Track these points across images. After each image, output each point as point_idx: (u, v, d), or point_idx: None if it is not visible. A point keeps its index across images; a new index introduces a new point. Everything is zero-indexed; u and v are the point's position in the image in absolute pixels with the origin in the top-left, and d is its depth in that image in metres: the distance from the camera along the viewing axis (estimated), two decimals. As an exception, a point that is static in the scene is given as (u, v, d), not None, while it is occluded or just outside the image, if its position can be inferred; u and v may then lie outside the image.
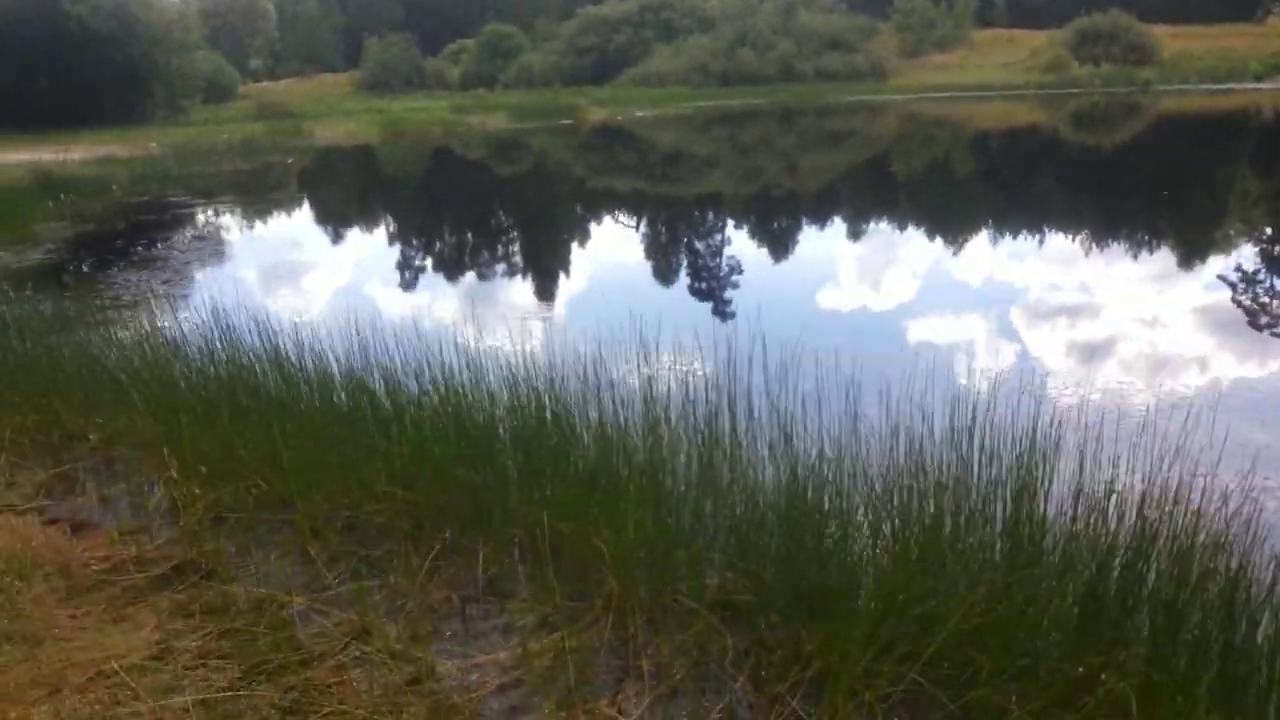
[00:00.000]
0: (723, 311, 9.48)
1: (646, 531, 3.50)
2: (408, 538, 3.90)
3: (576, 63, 62.20)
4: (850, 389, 3.98)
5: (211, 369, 5.67)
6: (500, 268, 12.91)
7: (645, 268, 12.43)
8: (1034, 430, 3.38)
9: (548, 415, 4.38)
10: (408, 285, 11.76)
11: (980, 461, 3.41)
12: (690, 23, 61.86)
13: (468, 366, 4.85)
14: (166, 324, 6.62)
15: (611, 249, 14.27)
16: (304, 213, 18.90)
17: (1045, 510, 3.21)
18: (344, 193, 22.13)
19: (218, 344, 5.91)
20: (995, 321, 8.63)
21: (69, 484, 4.87)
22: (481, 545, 3.76)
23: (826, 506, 3.44)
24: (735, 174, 22.93)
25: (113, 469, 5.03)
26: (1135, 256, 11.43)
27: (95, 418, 5.35)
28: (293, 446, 4.36)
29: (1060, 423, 3.47)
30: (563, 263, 12.81)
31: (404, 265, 13.28)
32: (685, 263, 12.70)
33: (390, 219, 18.24)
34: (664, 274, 11.96)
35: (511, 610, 3.49)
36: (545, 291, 10.90)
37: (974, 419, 3.53)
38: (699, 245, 13.89)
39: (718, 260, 12.57)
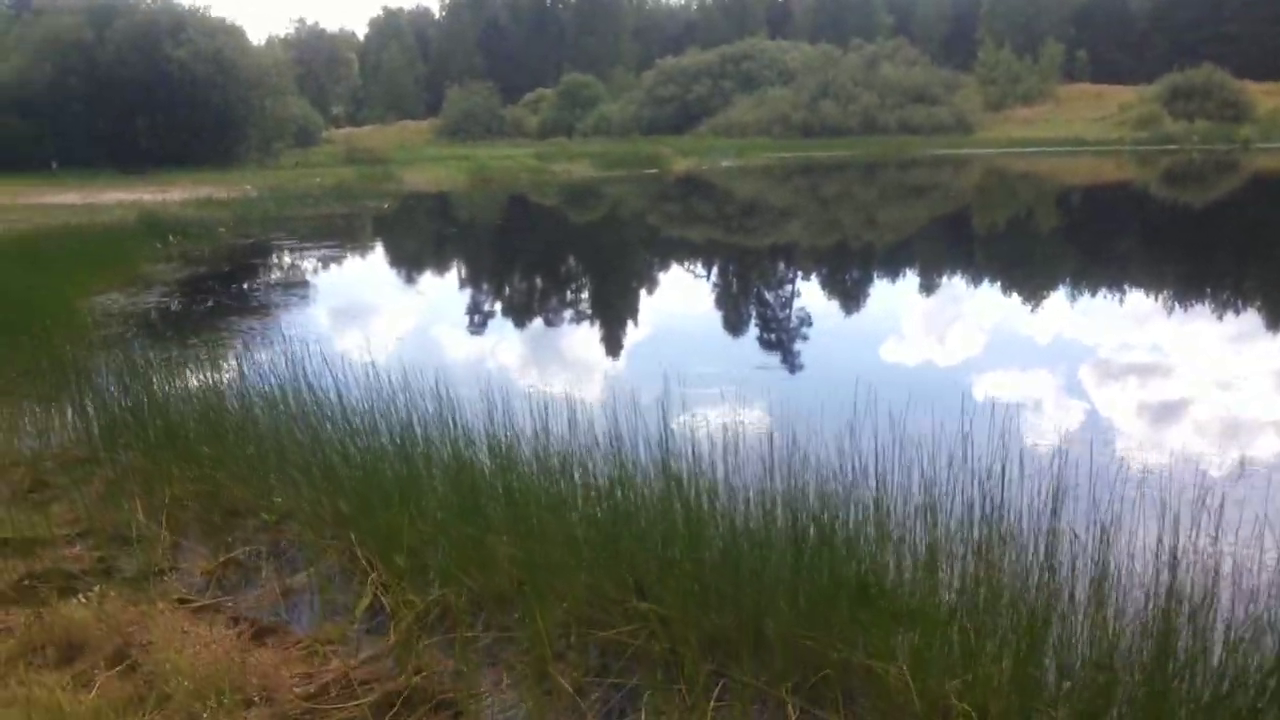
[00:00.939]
0: (792, 363, 9.41)
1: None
2: (663, 664, 3.26)
3: (656, 113, 62.37)
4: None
5: (377, 435, 5.13)
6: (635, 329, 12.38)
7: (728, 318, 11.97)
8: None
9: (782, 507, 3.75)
10: (553, 345, 11.19)
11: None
12: (771, 74, 61.74)
13: (686, 452, 4.22)
14: (312, 381, 6.11)
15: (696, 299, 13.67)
16: (410, 260, 18.63)
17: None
18: (444, 240, 21.93)
19: (371, 405, 5.37)
20: (1063, 379, 8.28)
21: (241, 572, 4.33)
22: (765, 683, 3.11)
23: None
24: (813, 225, 22.40)
25: (287, 554, 4.48)
26: (1220, 317, 10.98)
27: (264, 491, 4.84)
28: (515, 541, 3.78)
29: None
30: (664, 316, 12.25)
31: (547, 320, 12.75)
32: (758, 313, 12.50)
33: (496, 271, 17.91)
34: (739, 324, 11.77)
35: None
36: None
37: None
38: (769, 295, 13.68)
39: (787, 310, 12.41)
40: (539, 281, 16.19)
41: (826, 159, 43.89)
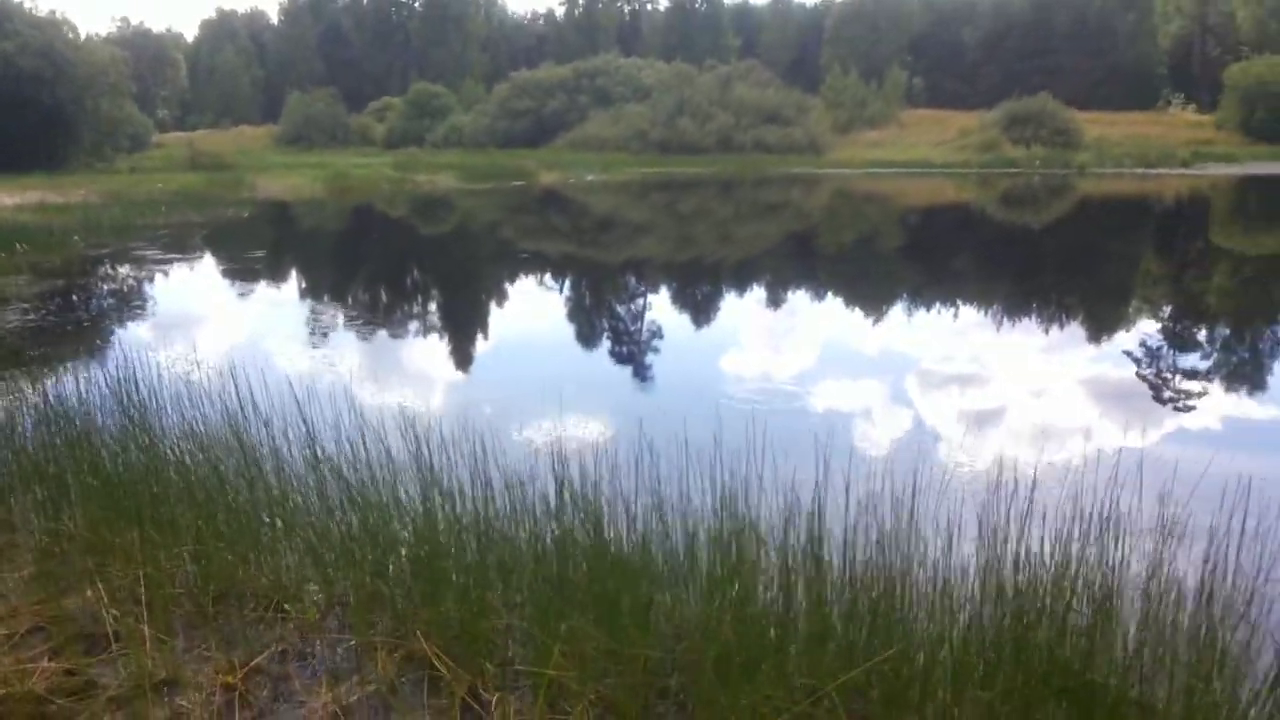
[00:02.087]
0: (643, 375, 9.44)
1: None
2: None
3: (510, 125, 61.37)
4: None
5: (390, 489, 4.20)
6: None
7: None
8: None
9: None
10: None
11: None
12: (625, 91, 61.69)
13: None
14: (275, 419, 5.08)
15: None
16: (299, 274, 17.13)
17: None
18: (334, 251, 20.40)
19: (377, 451, 4.43)
20: (891, 388, 8.51)
21: (267, 682, 3.34)
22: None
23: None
24: (668, 240, 22.20)
25: (319, 654, 3.51)
26: (1046, 331, 11.51)
27: (268, 568, 3.85)
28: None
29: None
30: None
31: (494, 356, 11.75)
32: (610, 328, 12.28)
33: (403, 286, 16.67)
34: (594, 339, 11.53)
35: None
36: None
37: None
38: (622, 309, 13.54)
39: (639, 325, 12.27)
40: (437, 296, 15.11)
41: (686, 176, 43.98)
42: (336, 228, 25.09)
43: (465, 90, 72.65)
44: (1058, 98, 55.80)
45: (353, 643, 3.45)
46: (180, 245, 18.48)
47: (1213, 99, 67.76)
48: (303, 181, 33.77)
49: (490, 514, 3.82)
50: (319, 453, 4.45)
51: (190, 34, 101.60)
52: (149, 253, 17.38)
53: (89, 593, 3.75)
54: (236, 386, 5.11)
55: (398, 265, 18.20)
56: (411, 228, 25.12)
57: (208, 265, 16.66)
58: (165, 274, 15.35)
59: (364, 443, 4.40)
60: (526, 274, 17.10)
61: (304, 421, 4.67)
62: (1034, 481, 3.74)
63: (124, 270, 15.49)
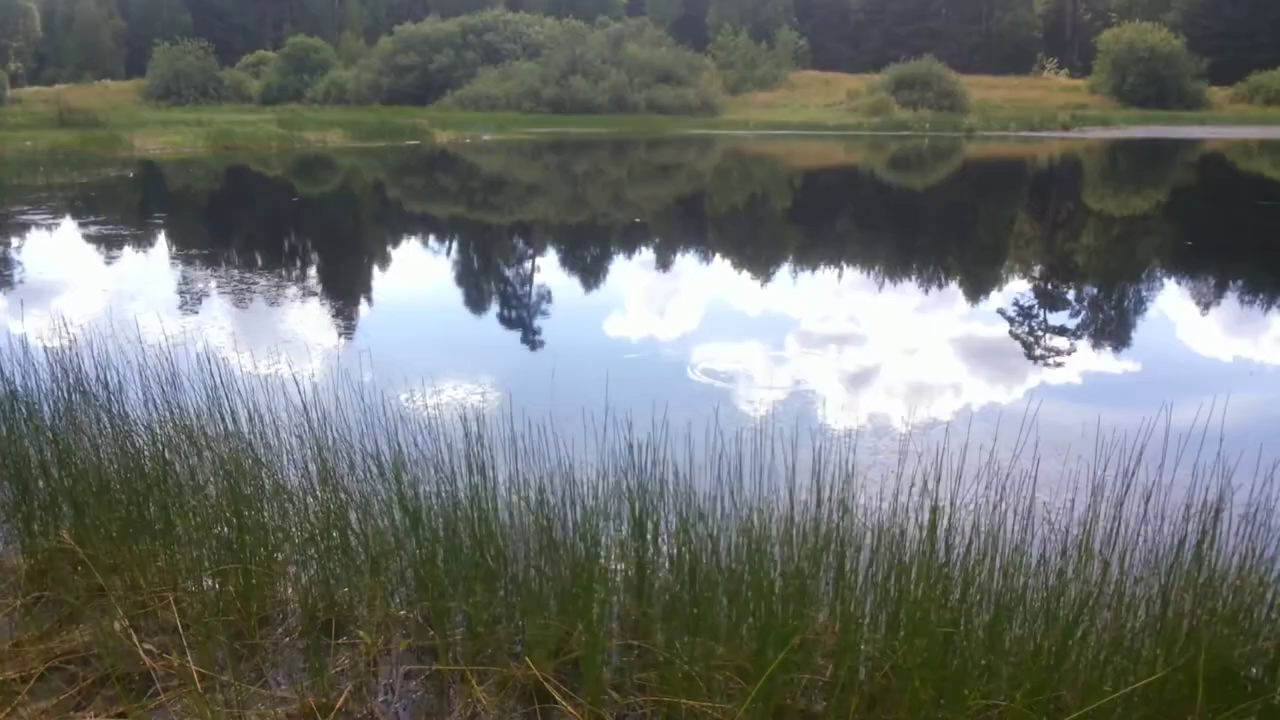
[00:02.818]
0: (531, 340, 9.28)
1: None
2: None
3: (396, 81, 59.53)
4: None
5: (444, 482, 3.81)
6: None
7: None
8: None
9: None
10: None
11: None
12: (515, 48, 60.48)
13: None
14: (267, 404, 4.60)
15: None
16: (223, 242, 16.05)
17: None
18: (250, 215, 19.24)
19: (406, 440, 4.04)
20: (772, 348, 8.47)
21: None
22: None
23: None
24: (560, 202, 21.85)
25: (392, 683, 3.12)
26: (926, 291, 11.73)
27: (311, 582, 3.45)
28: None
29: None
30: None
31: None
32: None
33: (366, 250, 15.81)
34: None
35: None
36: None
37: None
38: (510, 273, 13.34)
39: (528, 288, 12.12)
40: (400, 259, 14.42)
41: (581, 135, 43.39)
42: (236, 188, 23.78)
43: (345, 44, 70.22)
44: (939, 62, 57.05)
45: (435, 669, 3.09)
46: (72, 208, 17.17)
47: (1085, 64, 70.40)
48: (183, 139, 31.94)
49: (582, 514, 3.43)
50: (355, 446, 4.04)
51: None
52: (36, 216, 16.08)
53: (105, 622, 3.26)
54: (217, 367, 4.61)
55: (311, 228, 17.35)
56: (312, 189, 24.00)
57: (118, 231, 15.43)
58: (60, 239, 14.22)
59: (399, 434, 4.02)
60: (456, 238, 16.52)
61: (306, 409, 4.23)
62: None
63: (11, 238, 14.27)
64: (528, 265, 13.62)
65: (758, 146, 40.39)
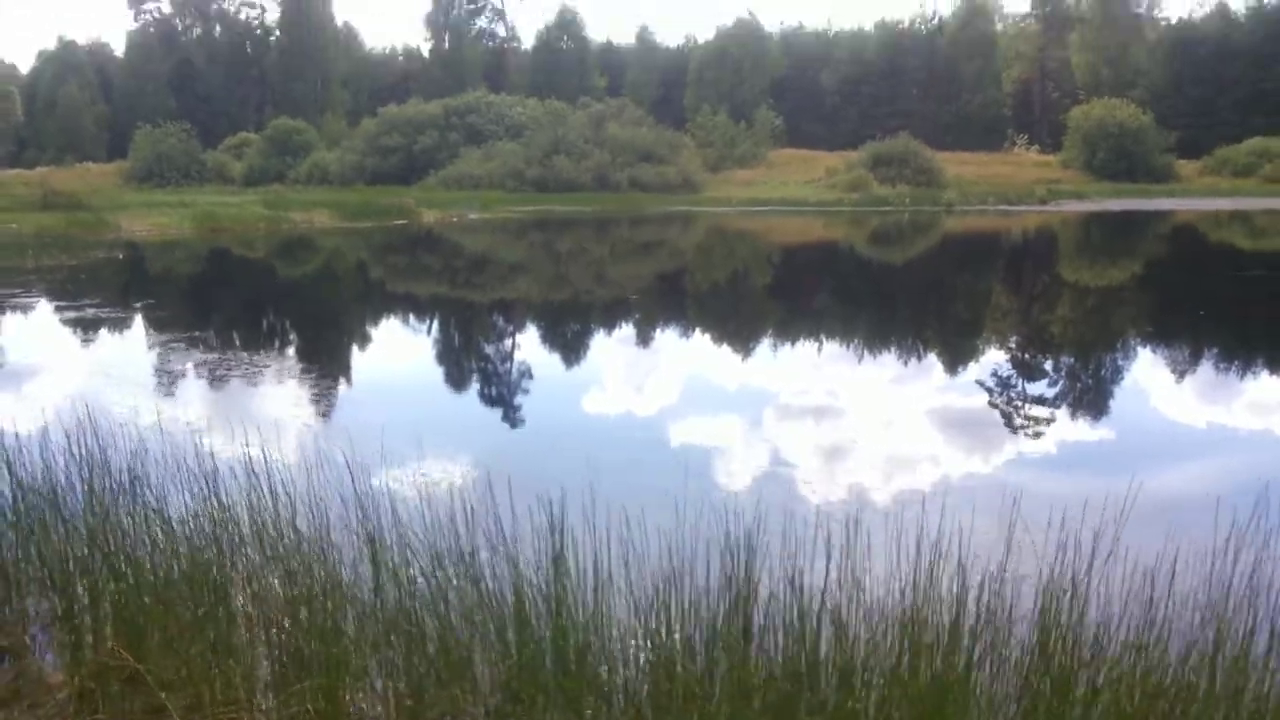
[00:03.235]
0: (512, 419, 9.31)
1: None
2: None
3: (380, 162, 59.95)
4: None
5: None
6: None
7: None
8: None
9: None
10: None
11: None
12: (498, 128, 61.16)
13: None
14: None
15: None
16: (229, 325, 15.81)
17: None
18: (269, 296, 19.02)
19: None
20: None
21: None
22: None
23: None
24: (542, 280, 21.93)
25: None
26: (905, 363, 11.89)
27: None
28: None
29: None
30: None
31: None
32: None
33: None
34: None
35: None
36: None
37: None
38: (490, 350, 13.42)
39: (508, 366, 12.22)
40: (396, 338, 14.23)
41: (566, 213, 43.71)
42: (230, 271, 23.61)
43: (327, 126, 70.84)
44: (915, 139, 58.12)
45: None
46: (65, 291, 16.94)
47: (1054, 140, 72.00)
48: (168, 221, 31.86)
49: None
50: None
51: (25, 65, 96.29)
52: (31, 299, 15.85)
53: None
54: (253, 454, 4.37)
55: (311, 311, 17.19)
56: (303, 272, 23.89)
57: (115, 314, 15.17)
58: (73, 325, 13.93)
59: (464, 519, 3.80)
60: (454, 317, 16.39)
61: (359, 498, 4.01)
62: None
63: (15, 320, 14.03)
64: (567, 349, 13.44)
65: (741, 223, 40.80)
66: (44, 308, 15.33)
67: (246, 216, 33.59)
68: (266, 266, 24.55)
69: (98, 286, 18.60)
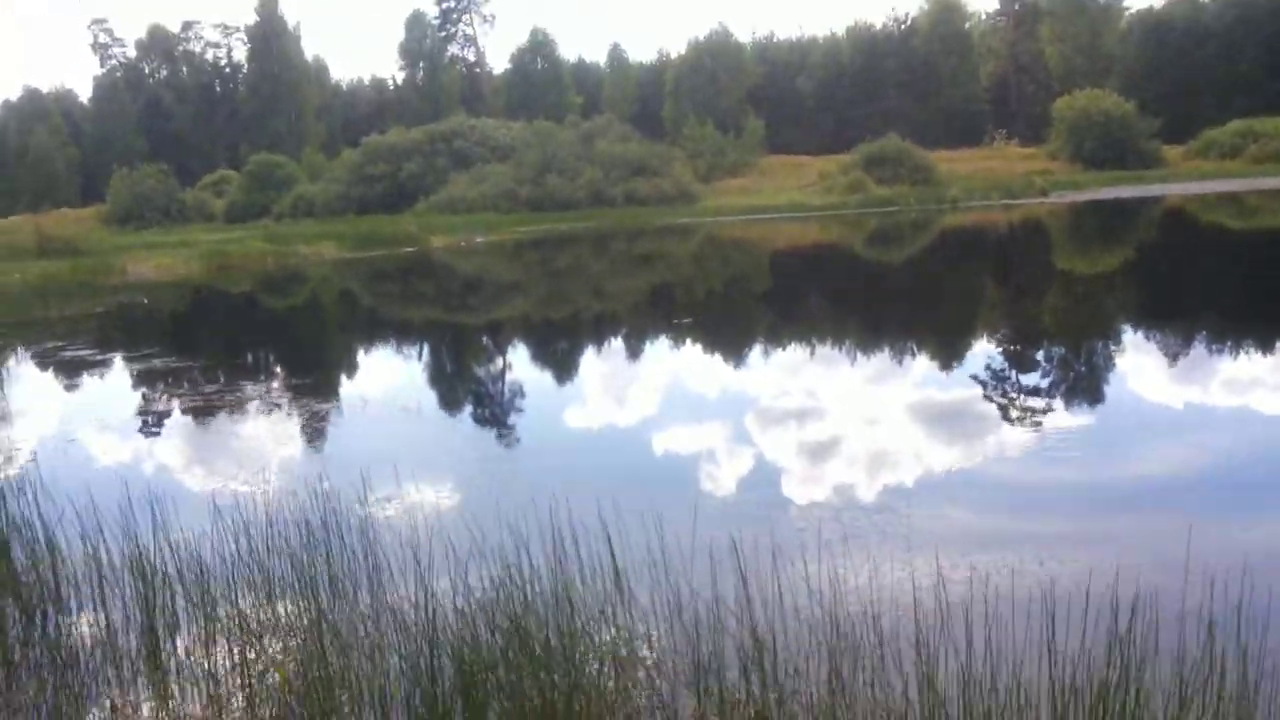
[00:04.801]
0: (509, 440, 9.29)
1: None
2: None
3: (367, 191, 59.14)
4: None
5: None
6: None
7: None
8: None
9: None
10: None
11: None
12: (484, 151, 60.51)
13: None
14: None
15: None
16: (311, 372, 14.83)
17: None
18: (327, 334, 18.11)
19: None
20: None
21: None
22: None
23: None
24: (545, 299, 21.52)
25: None
26: (901, 362, 11.88)
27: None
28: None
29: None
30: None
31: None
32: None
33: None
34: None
35: None
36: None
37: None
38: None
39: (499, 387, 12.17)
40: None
41: (565, 232, 43.04)
42: (269, 312, 22.56)
43: (307, 159, 70.06)
44: (904, 139, 57.89)
45: None
46: (112, 341, 16.02)
47: (1034, 132, 72.08)
48: (172, 261, 30.88)
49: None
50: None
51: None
52: (79, 351, 14.91)
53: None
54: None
55: (410, 349, 16.43)
56: (355, 309, 22.91)
57: (186, 362, 14.17)
58: (160, 379, 12.96)
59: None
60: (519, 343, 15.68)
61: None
62: None
63: (74, 376, 13.14)
64: (638, 367, 12.87)
65: (739, 231, 40.28)
66: (108, 360, 14.39)
67: (252, 253, 32.69)
68: (308, 305, 23.66)
69: (141, 334, 17.67)
